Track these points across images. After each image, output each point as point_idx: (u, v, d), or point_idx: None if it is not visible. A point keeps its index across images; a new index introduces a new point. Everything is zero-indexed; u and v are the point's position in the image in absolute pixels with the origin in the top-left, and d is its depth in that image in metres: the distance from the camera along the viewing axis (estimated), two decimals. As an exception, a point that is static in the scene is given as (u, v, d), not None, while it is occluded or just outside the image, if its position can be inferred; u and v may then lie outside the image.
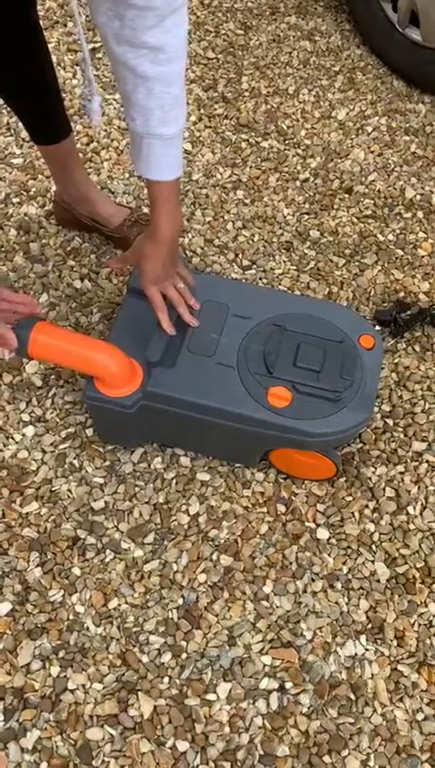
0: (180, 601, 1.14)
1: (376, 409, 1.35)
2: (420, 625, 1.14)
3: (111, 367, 1.09)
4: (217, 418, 1.12)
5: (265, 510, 1.23)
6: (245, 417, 1.10)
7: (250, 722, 1.05)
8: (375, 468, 1.28)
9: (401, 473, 1.28)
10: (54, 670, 1.07)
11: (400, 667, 1.10)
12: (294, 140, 1.78)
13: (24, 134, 1.70)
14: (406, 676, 1.10)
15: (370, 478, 1.27)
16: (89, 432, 1.28)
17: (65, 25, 1.93)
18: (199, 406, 1.11)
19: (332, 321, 1.20)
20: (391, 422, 1.33)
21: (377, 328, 1.44)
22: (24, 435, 1.28)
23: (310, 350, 1.15)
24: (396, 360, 1.41)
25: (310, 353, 1.14)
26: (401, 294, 1.51)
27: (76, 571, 1.15)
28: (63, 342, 1.08)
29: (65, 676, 1.07)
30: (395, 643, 1.12)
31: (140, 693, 1.06)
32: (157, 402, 1.12)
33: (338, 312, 1.22)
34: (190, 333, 1.17)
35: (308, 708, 1.06)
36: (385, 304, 1.49)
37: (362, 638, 1.12)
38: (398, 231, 1.62)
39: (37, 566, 1.15)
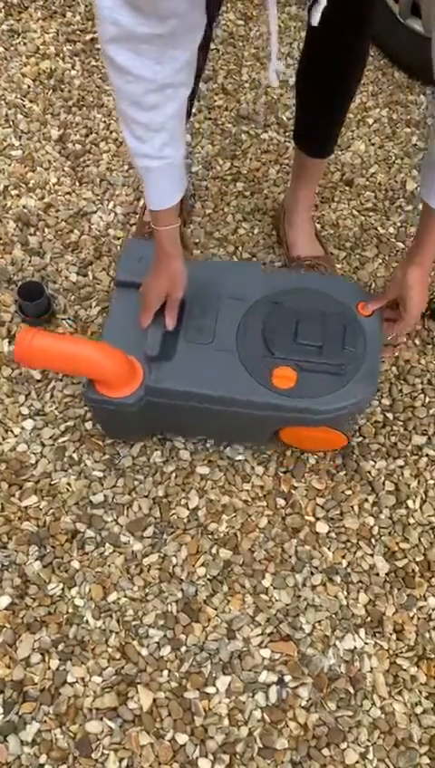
0: (180, 595, 1.14)
1: (376, 403, 1.34)
2: (419, 619, 1.14)
3: (110, 368, 1.05)
4: (223, 406, 1.10)
5: (264, 504, 1.23)
6: (251, 403, 1.09)
7: (249, 715, 1.05)
8: (375, 462, 1.28)
9: (401, 467, 1.28)
10: (54, 663, 1.07)
11: (399, 661, 1.11)
12: (295, 132, 1.76)
13: (23, 125, 1.69)
14: (405, 670, 1.10)
15: (369, 472, 1.27)
16: (88, 425, 1.28)
17: (64, 15, 1.92)
18: (204, 396, 1.09)
19: (327, 293, 1.16)
20: (391, 416, 1.33)
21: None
22: (23, 428, 1.28)
23: (310, 325, 1.12)
24: (396, 354, 1.41)
25: (310, 329, 1.11)
26: (402, 288, 1.51)
27: (75, 564, 1.15)
28: (58, 347, 1.02)
29: (65, 669, 1.07)
30: (394, 637, 1.12)
31: (139, 686, 1.06)
32: (159, 397, 1.10)
33: (332, 283, 1.19)
34: (185, 322, 1.14)
35: (307, 701, 1.07)
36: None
37: (362, 631, 1.13)
38: (399, 224, 1.61)
39: (36, 559, 1.15)
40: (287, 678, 1.08)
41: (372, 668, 1.10)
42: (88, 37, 1.88)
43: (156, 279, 1.09)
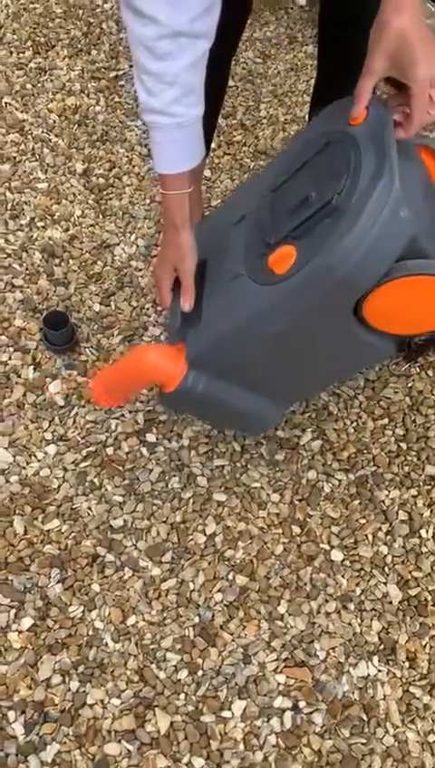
0: (196, 619, 1.16)
1: (390, 433, 1.38)
2: (431, 647, 1.16)
3: (161, 363, 0.98)
4: (255, 330, 0.93)
5: (280, 531, 1.26)
6: (264, 314, 0.90)
7: (264, 740, 1.07)
8: (389, 491, 1.31)
9: (414, 496, 1.30)
10: (74, 685, 1.10)
11: (412, 689, 1.12)
12: (311, 167, 1.82)
13: (49, 159, 1.75)
14: (418, 698, 1.12)
15: (383, 501, 1.30)
16: (109, 451, 1.32)
17: (89, 53, 1.99)
18: (225, 339, 0.96)
19: (313, 137, 0.97)
20: (404, 446, 1.36)
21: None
22: (46, 453, 1.32)
23: (293, 185, 0.93)
24: (410, 385, 1.44)
25: (294, 189, 0.93)
26: (415, 319, 1.54)
27: (95, 587, 1.18)
28: (118, 375, 1.07)
29: (84, 690, 1.09)
30: (407, 665, 1.14)
31: (156, 709, 1.08)
32: (206, 364, 0.99)
33: (322, 121, 0.99)
34: (208, 278, 1.03)
35: (321, 728, 1.09)
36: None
37: (375, 658, 1.15)
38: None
39: (58, 582, 1.18)
40: (302, 704, 1.10)
41: (385, 696, 1.11)
42: (112, 74, 1.95)
43: (162, 252, 1.03)
